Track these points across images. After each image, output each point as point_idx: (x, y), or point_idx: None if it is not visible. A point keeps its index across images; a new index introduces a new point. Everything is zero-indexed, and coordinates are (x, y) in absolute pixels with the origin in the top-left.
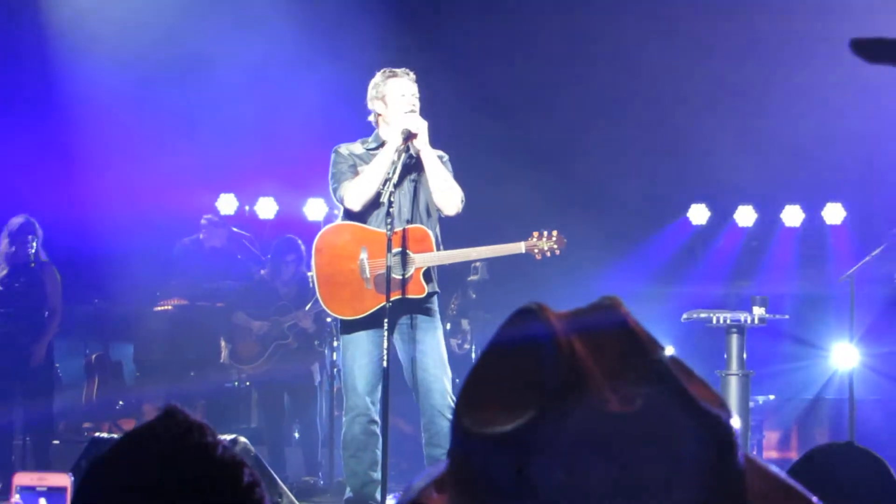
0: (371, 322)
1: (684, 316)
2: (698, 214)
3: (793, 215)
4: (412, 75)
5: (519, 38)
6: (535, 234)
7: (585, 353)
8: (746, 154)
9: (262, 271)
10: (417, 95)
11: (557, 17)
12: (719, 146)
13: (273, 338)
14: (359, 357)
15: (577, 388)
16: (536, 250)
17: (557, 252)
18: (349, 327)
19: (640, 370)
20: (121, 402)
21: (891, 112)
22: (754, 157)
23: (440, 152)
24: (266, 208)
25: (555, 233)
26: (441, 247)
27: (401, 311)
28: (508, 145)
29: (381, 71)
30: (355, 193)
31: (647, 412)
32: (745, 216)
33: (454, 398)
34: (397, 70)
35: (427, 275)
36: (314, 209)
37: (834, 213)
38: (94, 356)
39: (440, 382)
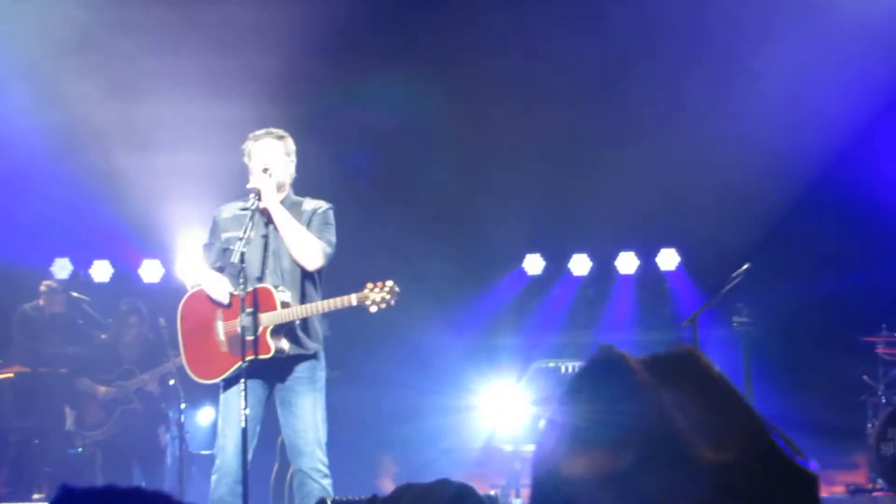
0: (237, 383)
1: (533, 365)
2: (534, 264)
3: (628, 262)
4: (273, 136)
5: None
6: (369, 284)
7: (671, 401)
8: (580, 202)
9: (103, 335)
10: (278, 152)
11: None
12: (552, 195)
13: (118, 402)
14: (229, 417)
15: (668, 435)
16: (369, 301)
17: (392, 303)
18: (222, 389)
19: (731, 421)
20: None
21: (721, 156)
22: (588, 206)
23: (319, 203)
24: (101, 271)
25: (389, 283)
26: (308, 300)
27: (274, 373)
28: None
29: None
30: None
31: (742, 462)
32: (580, 264)
33: (324, 461)
34: (258, 132)
35: (278, 334)
36: (150, 271)
37: (668, 259)
38: None
39: (309, 446)
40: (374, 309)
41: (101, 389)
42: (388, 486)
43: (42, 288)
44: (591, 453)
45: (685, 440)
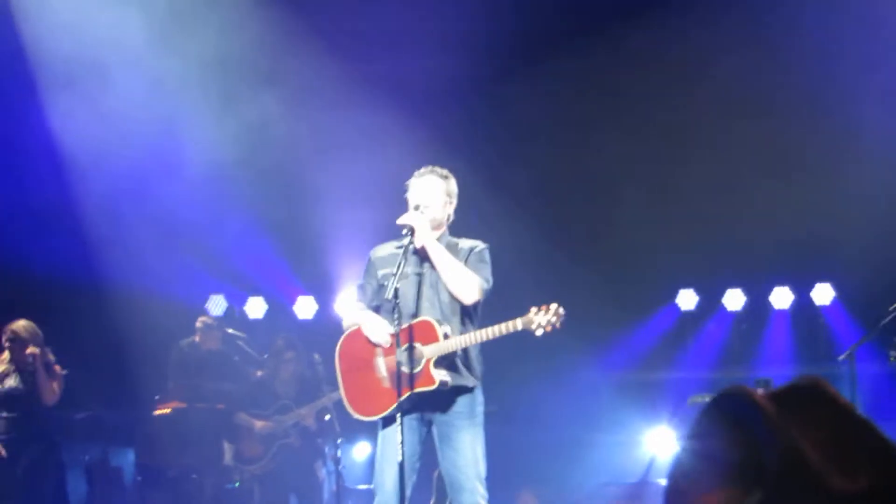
0: (396, 419)
1: (690, 400)
2: (687, 299)
3: (782, 297)
4: (436, 174)
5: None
6: (533, 308)
7: (800, 434)
8: (733, 237)
9: (259, 372)
10: (436, 191)
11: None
12: (707, 230)
13: (276, 437)
14: (387, 453)
15: (799, 467)
16: (534, 325)
17: (558, 326)
18: (381, 425)
19: (860, 448)
20: None
21: (877, 187)
22: (741, 240)
23: (475, 243)
24: (255, 308)
25: (553, 306)
26: (465, 331)
27: (433, 408)
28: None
29: None
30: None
31: (875, 490)
32: (734, 299)
33: (485, 495)
34: (422, 170)
35: (440, 366)
36: (304, 307)
37: (823, 294)
38: (94, 462)
39: (470, 482)
40: (539, 332)
41: (259, 424)
42: None
43: (198, 324)
44: (723, 490)
45: (815, 472)
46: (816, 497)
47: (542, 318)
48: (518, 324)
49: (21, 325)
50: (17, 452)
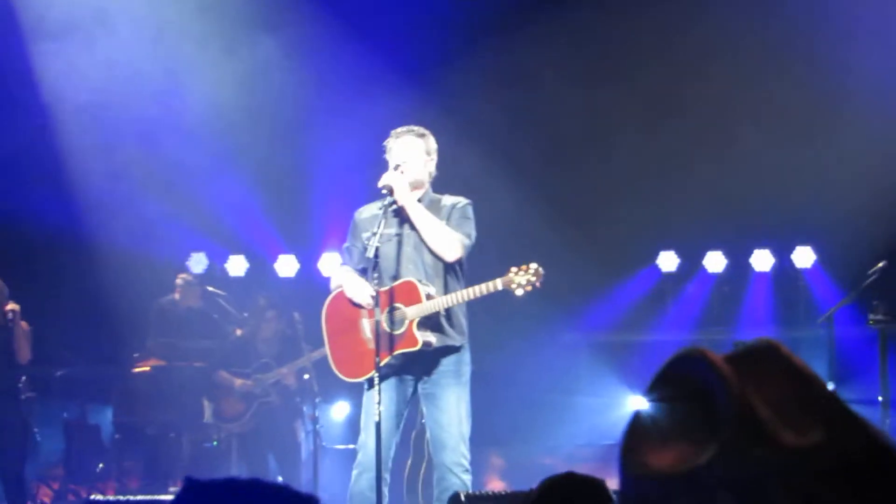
0: (382, 380)
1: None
2: (668, 261)
3: (763, 260)
4: (413, 133)
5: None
6: (513, 268)
7: (755, 391)
8: (715, 199)
9: (239, 330)
10: (415, 150)
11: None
12: (688, 192)
13: (256, 396)
14: (371, 414)
15: (752, 424)
16: (514, 285)
17: (537, 285)
18: (366, 386)
19: (812, 406)
20: (101, 465)
21: (852, 150)
22: (723, 202)
23: (458, 199)
24: (236, 265)
25: (533, 265)
26: (451, 292)
27: (420, 368)
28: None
29: None
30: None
31: (830, 443)
32: (715, 262)
33: (467, 455)
34: (399, 130)
35: (424, 326)
36: (285, 266)
37: (804, 257)
38: (71, 420)
39: (453, 439)
40: (519, 292)
41: (239, 382)
42: (495, 484)
43: (178, 281)
44: (676, 446)
45: (768, 427)
46: (768, 450)
47: (521, 278)
48: (498, 283)
49: None
50: None
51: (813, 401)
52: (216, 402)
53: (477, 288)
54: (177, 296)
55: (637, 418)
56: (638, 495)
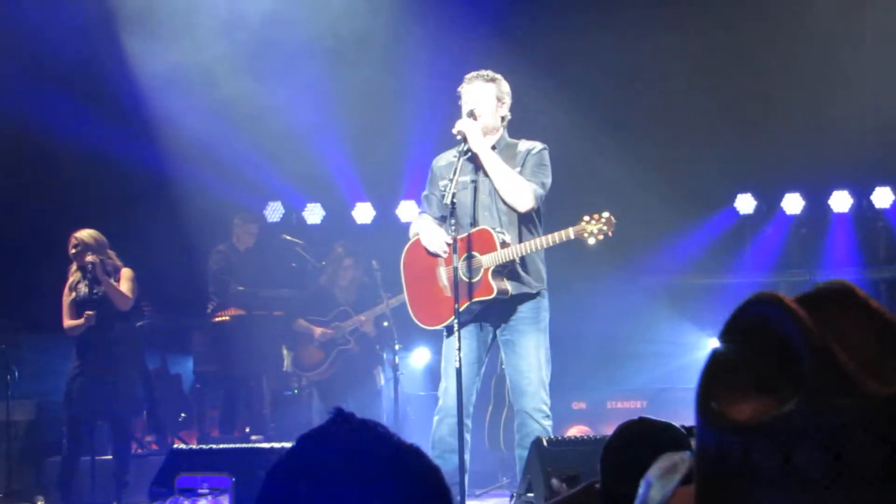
0: (460, 327)
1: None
2: (745, 203)
3: (841, 201)
4: (483, 78)
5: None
6: (585, 217)
7: (834, 336)
8: (792, 141)
9: (322, 278)
10: (486, 95)
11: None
12: (764, 134)
13: (335, 343)
14: (452, 361)
15: (833, 371)
16: (586, 234)
17: (609, 234)
18: (446, 333)
19: (892, 353)
20: (182, 415)
21: None
22: (799, 144)
23: (533, 144)
24: (313, 214)
25: (605, 214)
26: (525, 240)
27: (498, 315)
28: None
29: None
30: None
31: None
32: (793, 203)
33: (547, 401)
34: (470, 75)
35: (500, 275)
36: (362, 213)
37: (883, 197)
38: (153, 369)
39: (532, 385)
40: (591, 241)
41: (318, 330)
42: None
43: (236, 221)
44: (754, 397)
45: (849, 375)
46: (850, 399)
47: (593, 227)
48: (570, 233)
49: (85, 233)
50: (102, 356)
51: (893, 346)
52: (296, 350)
53: (549, 237)
54: (235, 238)
55: (711, 367)
56: (718, 449)
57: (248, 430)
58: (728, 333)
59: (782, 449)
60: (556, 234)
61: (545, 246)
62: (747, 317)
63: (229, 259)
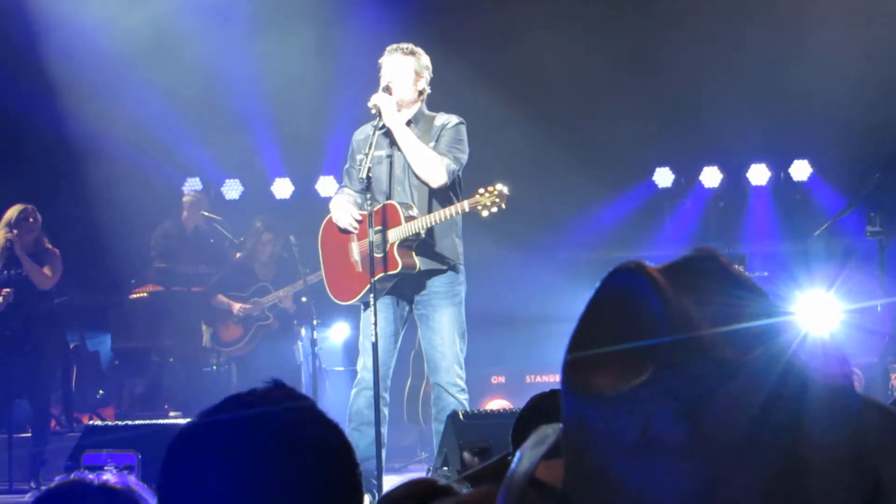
0: (378, 301)
1: None
2: (663, 177)
3: (759, 174)
4: (401, 51)
5: None
6: (480, 189)
7: (693, 305)
8: (709, 115)
9: (238, 254)
10: (404, 68)
11: None
12: (682, 108)
13: (254, 319)
14: (368, 335)
15: (690, 339)
16: (480, 206)
17: (503, 206)
18: (363, 307)
19: (754, 319)
20: (101, 392)
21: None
22: (717, 118)
23: (450, 118)
24: (232, 189)
25: (498, 186)
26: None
27: (413, 289)
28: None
29: None
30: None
31: (763, 360)
32: (711, 177)
33: (462, 375)
34: (390, 47)
35: (408, 249)
36: (281, 188)
37: (801, 170)
38: (71, 346)
39: (447, 360)
40: (485, 214)
41: (237, 306)
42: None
43: (186, 199)
44: (615, 365)
45: (707, 341)
46: (708, 366)
47: (486, 200)
48: (465, 205)
49: (12, 210)
50: (20, 334)
51: (753, 314)
52: (214, 326)
53: (445, 210)
54: (184, 214)
55: (577, 337)
56: (581, 419)
57: (166, 406)
58: (594, 303)
59: (641, 418)
60: (451, 208)
61: (442, 219)
62: (612, 286)
63: (168, 238)
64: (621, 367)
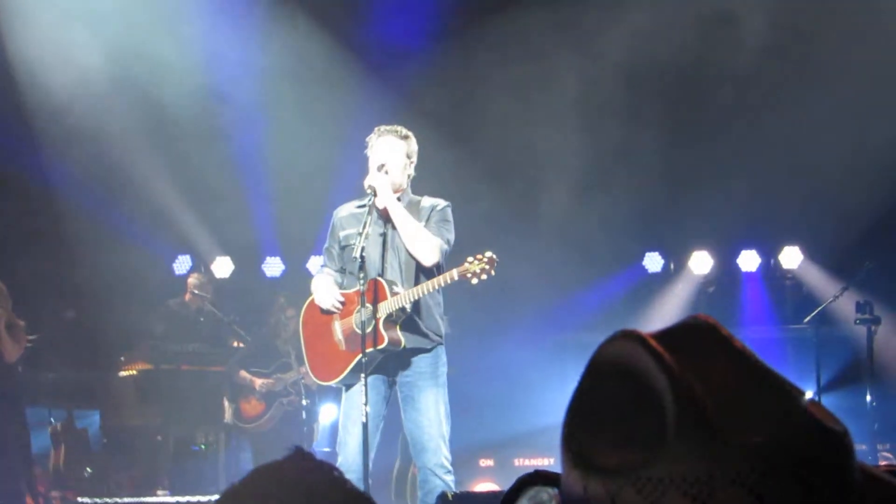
0: (360, 380)
1: None
2: (653, 262)
3: (749, 260)
4: (397, 134)
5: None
6: (469, 258)
7: (696, 379)
8: (701, 200)
9: (264, 330)
10: (397, 152)
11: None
12: (675, 193)
13: (276, 395)
14: (351, 414)
15: (698, 419)
16: (469, 274)
17: (492, 273)
18: (345, 388)
19: (759, 397)
20: (88, 470)
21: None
22: (709, 203)
23: (437, 201)
24: (222, 267)
25: (488, 254)
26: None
27: (396, 368)
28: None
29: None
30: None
31: (776, 440)
32: (701, 262)
33: (448, 456)
34: (383, 128)
35: (393, 324)
36: (272, 267)
37: (791, 257)
38: (59, 424)
39: (433, 441)
40: (475, 281)
41: (259, 382)
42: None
43: (192, 280)
44: (620, 444)
45: (713, 421)
46: (717, 450)
47: (476, 267)
48: (454, 274)
49: None
50: None
51: (758, 391)
52: (236, 402)
53: (434, 280)
54: (187, 297)
55: (575, 409)
56: (584, 493)
57: (157, 490)
58: (591, 372)
59: (648, 498)
60: (440, 278)
61: (433, 289)
62: (610, 355)
63: (170, 316)
64: (625, 443)
